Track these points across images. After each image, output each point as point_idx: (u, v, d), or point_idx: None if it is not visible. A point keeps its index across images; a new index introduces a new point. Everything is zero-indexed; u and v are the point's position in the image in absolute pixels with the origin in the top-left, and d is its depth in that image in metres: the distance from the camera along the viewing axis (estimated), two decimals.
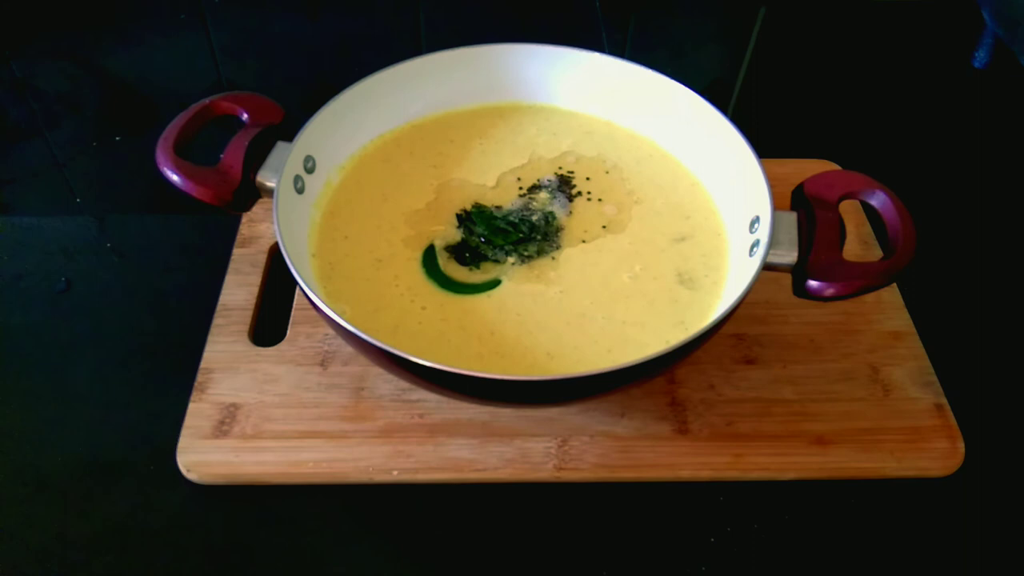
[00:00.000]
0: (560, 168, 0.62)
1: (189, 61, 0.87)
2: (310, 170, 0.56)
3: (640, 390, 0.56)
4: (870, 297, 0.60)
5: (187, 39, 0.89)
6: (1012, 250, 0.68)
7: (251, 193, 0.54)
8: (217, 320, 0.59)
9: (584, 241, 0.57)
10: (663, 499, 0.52)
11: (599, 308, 0.53)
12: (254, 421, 0.54)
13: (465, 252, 0.56)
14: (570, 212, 0.59)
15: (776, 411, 0.55)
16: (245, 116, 0.56)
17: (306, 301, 0.50)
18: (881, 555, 0.50)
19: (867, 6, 0.94)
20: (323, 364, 0.57)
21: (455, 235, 0.57)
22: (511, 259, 0.55)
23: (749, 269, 0.50)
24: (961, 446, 0.53)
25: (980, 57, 0.87)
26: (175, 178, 0.52)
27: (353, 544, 0.51)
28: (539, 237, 0.57)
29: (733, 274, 0.54)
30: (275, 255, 0.64)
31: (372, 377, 0.56)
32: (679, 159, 0.62)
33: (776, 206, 0.51)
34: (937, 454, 0.53)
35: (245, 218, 0.66)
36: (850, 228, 0.60)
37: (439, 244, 0.56)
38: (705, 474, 0.52)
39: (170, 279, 0.64)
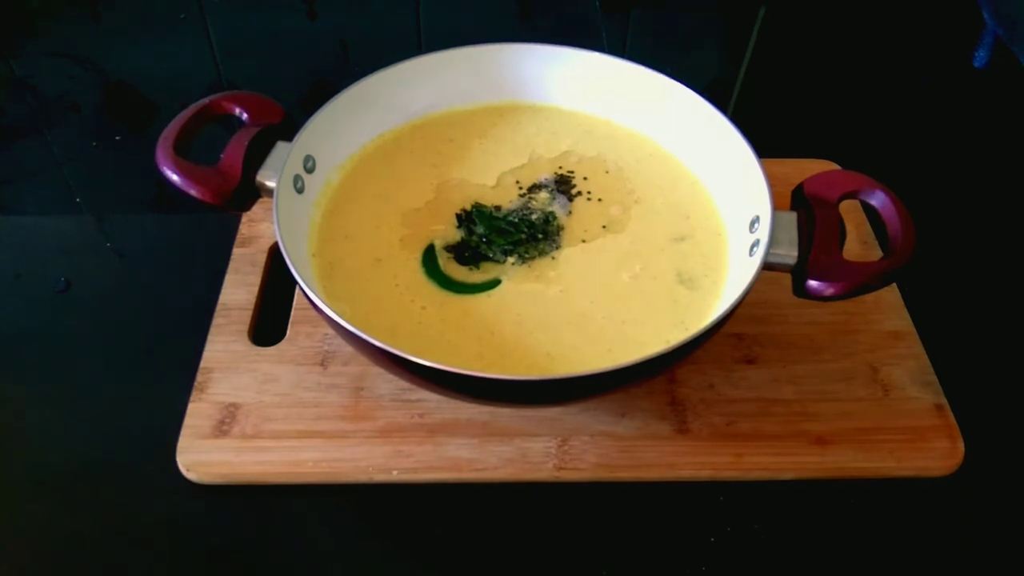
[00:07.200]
0: (560, 168, 0.62)
1: (189, 61, 0.86)
2: (310, 170, 0.56)
3: (640, 390, 0.56)
4: (870, 297, 0.59)
5: (187, 39, 0.89)
6: (1012, 250, 0.68)
7: (251, 193, 0.54)
8: (217, 320, 0.59)
9: (584, 241, 0.57)
10: (663, 499, 0.52)
11: (599, 308, 0.53)
12: (254, 421, 0.54)
13: (465, 252, 0.56)
14: (570, 212, 0.59)
15: (776, 411, 0.55)
16: (245, 116, 0.56)
17: (306, 301, 0.50)
18: (881, 555, 0.50)
19: (868, 5, 0.94)
20: (323, 364, 0.57)
21: (455, 235, 0.57)
22: (511, 259, 0.55)
23: (749, 269, 0.50)
24: (961, 446, 0.53)
25: (980, 57, 0.87)
26: (175, 177, 0.52)
27: (352, 544, 0.51)
28: (539, 237, 0.57)
29: (733, 274, 0.54)
30: (275, 255, 0.64)
31: (372, 377, 0.56)
32: (679, 158, 0.62)
33: (776, 206, 0.51)
34: (937, 454, 0.53)
35: (245, 218, 0.66)
36: (850, 228, 0.60)
37: (439, 244, 0.56)
38: (705, 474, 0.52)
39: (170, 279, 0.64)
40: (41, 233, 0.68)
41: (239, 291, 0.61)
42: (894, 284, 0.62)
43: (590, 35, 0.90)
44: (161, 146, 0.53)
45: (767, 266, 0.49)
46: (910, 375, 0.57)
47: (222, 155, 0.53)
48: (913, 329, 0.60)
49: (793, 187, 0.53)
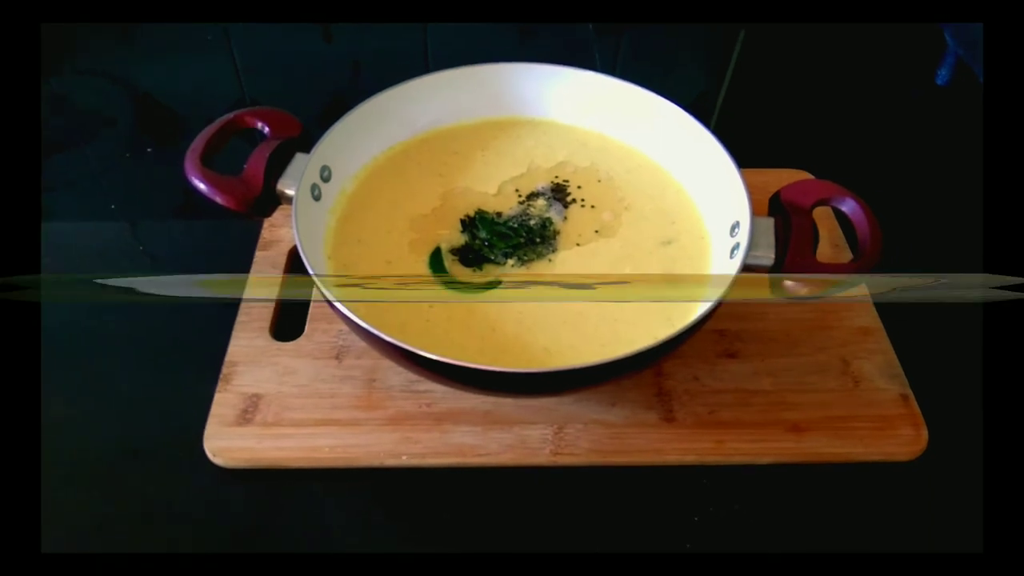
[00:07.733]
0: (556, 177, 0.62)
1: (215, 79, 0.87)
2: (326, 179, 0.57)
3: (630, 381, 0.56)
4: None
5: (213, 59, 0.89)
6: (971, 251, 0.68)
7: (272, 200, 0.54)
8: (241, 317, 0.59)
9: (578, 244, 0.57)
10: (651, 482, 0.52)
11: (592, 307, 0.53)
12: (275, 410, 0.54)
13: (469, 255, 0.56)
14: (565, 218, 0.59)
15: (755, 401, 0.55)
16: (266, 129, 0.56)
17: (323, 299, 0.50)
18: (851, 532, 0.50)
19: (839, 28, 0.94)
20: (338, 358, 0.57)
21: (459, 239, 0.57)
22: (511, 261, 0.56)
23: (730, 270, 0.50)
24: (924, 433, 0.54)
25: (942, 75, 0.87)
26: (202, 186, 0.52)
27: (365, 523, 0.51)
28: (537, 241, 0.57)
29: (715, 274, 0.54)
30: (294, 257, 0.64)
31: (383, 369, 0.56)
32: (666, 168, 0.62)
33: (755, 212, 0.51)
34: (902, 440, 0.53)
35: (266, 223, 0.66)
36: (822, 232, 0.60)
37: (445, 247, 0.56)
38: (689, 459, 0.53)
39: None
40: (79, 237, 0.68)
41: (261, 290, 0.61)
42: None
43: (584, 55, 0.90)
44: (189, 157, 0.53)
45: (747, 267, 0.50)
46: (878, 368, 0.57)
47: (245, 166, 0.53)
48: (881, 326, 0.60)
49: (770, 195, 0.54)
